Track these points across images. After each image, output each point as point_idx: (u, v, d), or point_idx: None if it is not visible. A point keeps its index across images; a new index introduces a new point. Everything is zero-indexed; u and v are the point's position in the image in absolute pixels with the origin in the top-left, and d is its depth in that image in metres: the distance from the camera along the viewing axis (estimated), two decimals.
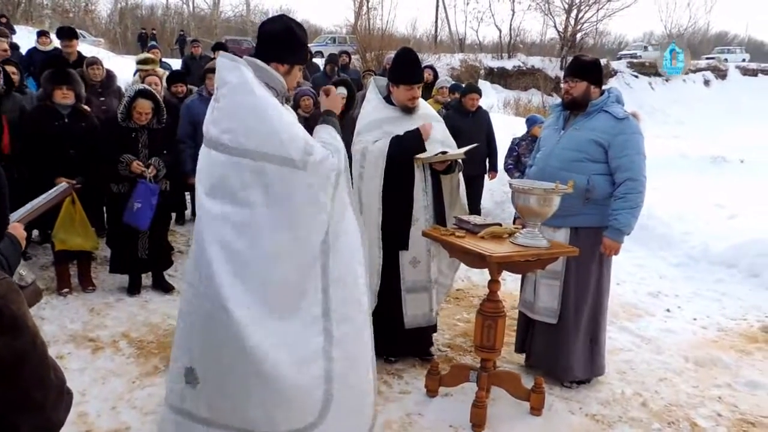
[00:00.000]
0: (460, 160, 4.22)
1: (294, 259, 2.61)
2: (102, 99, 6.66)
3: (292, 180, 2.56)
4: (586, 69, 3.93)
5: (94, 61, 6.86)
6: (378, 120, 4.09)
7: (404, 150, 3.96)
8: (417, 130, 3.97)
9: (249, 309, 2.56)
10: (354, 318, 2.76)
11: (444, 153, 4.04)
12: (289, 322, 2.61)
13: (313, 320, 2.64)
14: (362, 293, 2.80)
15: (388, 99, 4.15)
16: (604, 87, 4.01)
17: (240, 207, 2.58)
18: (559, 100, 4.10)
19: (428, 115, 4.24)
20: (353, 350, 2.76)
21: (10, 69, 6.21)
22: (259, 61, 2.70)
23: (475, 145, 4.25)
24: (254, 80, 2.62)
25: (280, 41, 2.76)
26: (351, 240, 2.76)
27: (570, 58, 4.16)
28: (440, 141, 4.15)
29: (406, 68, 4.07)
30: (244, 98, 2.59)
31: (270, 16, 3.07)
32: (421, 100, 4.25)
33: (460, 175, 4.33)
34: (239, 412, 2.64)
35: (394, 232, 4.04)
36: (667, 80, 28.61)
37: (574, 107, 3.93)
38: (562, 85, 4.09)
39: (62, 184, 2.24)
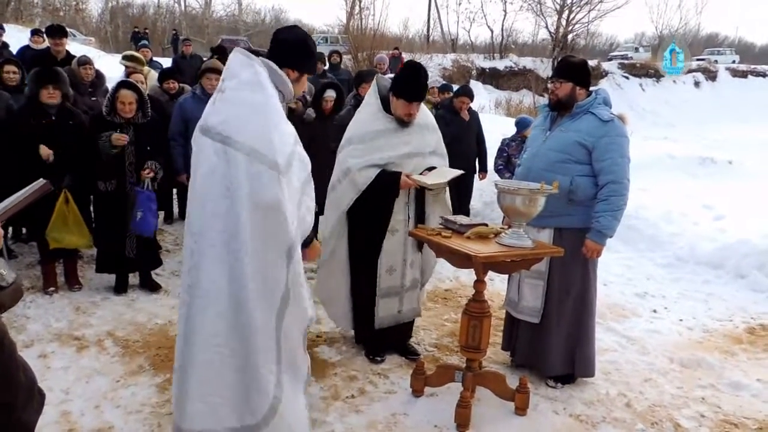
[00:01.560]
0: (447, 161, 4.24)
1: (265, 258, 2.63)
2: (93, 99, 6.64)
3: (272, 183, 2.58)
4: (573, 70, 3.93)
5: (86, 61, 6.83)
6: (372, 132, 4.04)
7: (380, 191, 3.99)
8: (398, 177, 3.95)
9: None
10: (296, 328, 2.82)
11: (430, 168, 4.06)
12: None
13: (269, 326, 2.70)
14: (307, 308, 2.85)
15: (387, 102, 4.07)
16: (593, 88, 4.01)
17: (223, 198, 2.59)
18: (548, 100, 4.11)
19: (422, 125, 4.16)
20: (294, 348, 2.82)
21: (11, 68, 6.20)
22: (273, 64, 2.77)
23: (460, 172, 4.15)
24: (266, 80, 2.70)
25: (295, 49, 2.86)
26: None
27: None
28: (430, 153, 4.15)
29: (408, 85, 3.98)
30: (251, 95, 2.65)
31: (285, 25, 3.13)
32: (421, 107, 4.18)
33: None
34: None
35: (369, 241, 4.11)
36: (657, 81, 28.72)
37: (560, 108, 3.94)
38: (548, 86, 4.09)
39: (40, 180, 2.21)
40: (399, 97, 3.99)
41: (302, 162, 2.78)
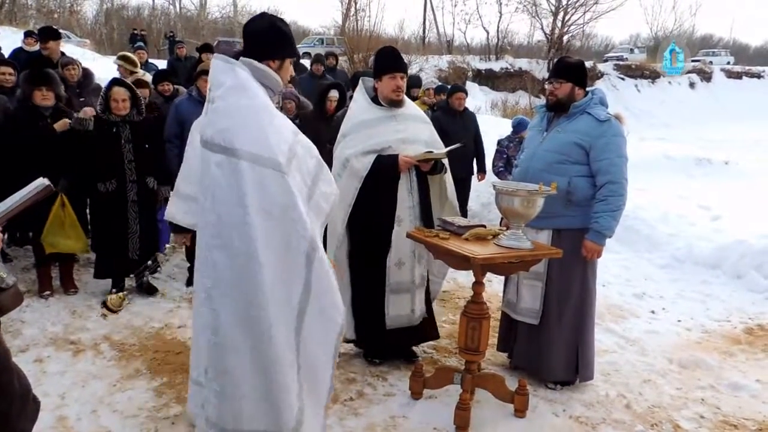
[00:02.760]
0: (446, 161, 4.22)
1: (281, 267, 2.58)
2: (81, 99, 6.61)
3: (279, 184, 2.56)
4: (571, 70, 3.92)
5: (69, 62, 6.81)
6: (363, 122, 4.07)
7: (381, 174, 3.97)
8: (396, 159, 3.95)
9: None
10: (318, 340, 2.71)
11: (429, 153, 4.05)
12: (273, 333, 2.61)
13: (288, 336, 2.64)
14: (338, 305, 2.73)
15: (375, 99, 4.13)
16: (589, 88, 4.00)
17: (230, 207, 2.56)
18: (545, 101, 4.09)
19: (415, 116, 4.22)
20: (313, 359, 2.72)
21: (6, 69, 6.15)
22: (255, 62, 2.73)
23: (459, 144, 4.24)
24: (249, 80, 2.66)
25: (267, 38, 2.78)
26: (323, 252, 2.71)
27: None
28: (425, 142, 4.14)
29: (387, 59, 4.09)
30: (238, 99, 2.62)
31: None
32: (408, 101, 4.24)
33: (449, 176, 4.32)
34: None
35: (377, 233, 4.04)
36: (653, 82, 28.79)
37: (558, 108, 3.92)
38: (546, 86, 4.07)
39: (39, 180, 2.17)
40: (383, 75, 4.04)
41: (307, 150, 2.73)
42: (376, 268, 4.08)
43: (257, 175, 2.53)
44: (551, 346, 3.94)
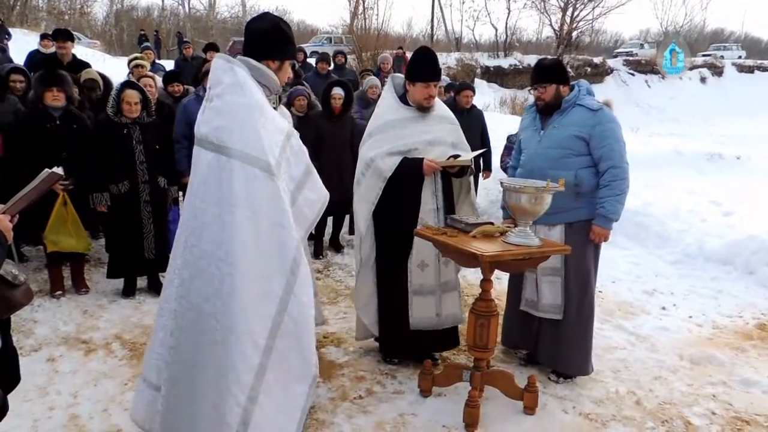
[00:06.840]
0: (471, 163, 4.20)
1: (260, 270, 2.58)
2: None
3: (268, 186, 2.57)
4: (552, 71, 3.98)
5: (88, 72, 6.82)
6: (391, 122, 4.04)
7: (405, 177, 3.95)
8: (421, 163, 3.92)
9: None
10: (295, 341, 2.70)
11: (455, 156, 4.01)
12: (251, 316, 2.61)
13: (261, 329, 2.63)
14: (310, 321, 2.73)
15: (403, 98, 4.10)
16: (594, 85, 4.02)
17: (219, 207, 2.57)
18: (534, 103, 4.11)
19: (442, 117, 4.16)
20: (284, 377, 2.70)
21: (17, 77, 6.19)
22: (252, 60, 2.73)
23: (482, 150, 4.22)
24: (247, 80, 2.66)
25: (269, 38, 2.79)
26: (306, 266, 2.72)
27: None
28: (451, 144, 4.11)
29: (423, 66, 4.03)
30: (235, 98, 2.62)
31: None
32: (438, 101, 4.19)
33: (471, 177, 4.29)
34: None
35: (400, 235, 4.00)
36: (663, 77, 28.60)
37: (549, 111, 3.97)
38: (531, 92, 4.09)
39: (46, 170, 2.18)
40: (416, 81, 4.00)
41: (296, 155, 2.73)
42: (399, 270, 4.05)
43: (247, 174, 2.53)
44: (572, 338, 3.96)
